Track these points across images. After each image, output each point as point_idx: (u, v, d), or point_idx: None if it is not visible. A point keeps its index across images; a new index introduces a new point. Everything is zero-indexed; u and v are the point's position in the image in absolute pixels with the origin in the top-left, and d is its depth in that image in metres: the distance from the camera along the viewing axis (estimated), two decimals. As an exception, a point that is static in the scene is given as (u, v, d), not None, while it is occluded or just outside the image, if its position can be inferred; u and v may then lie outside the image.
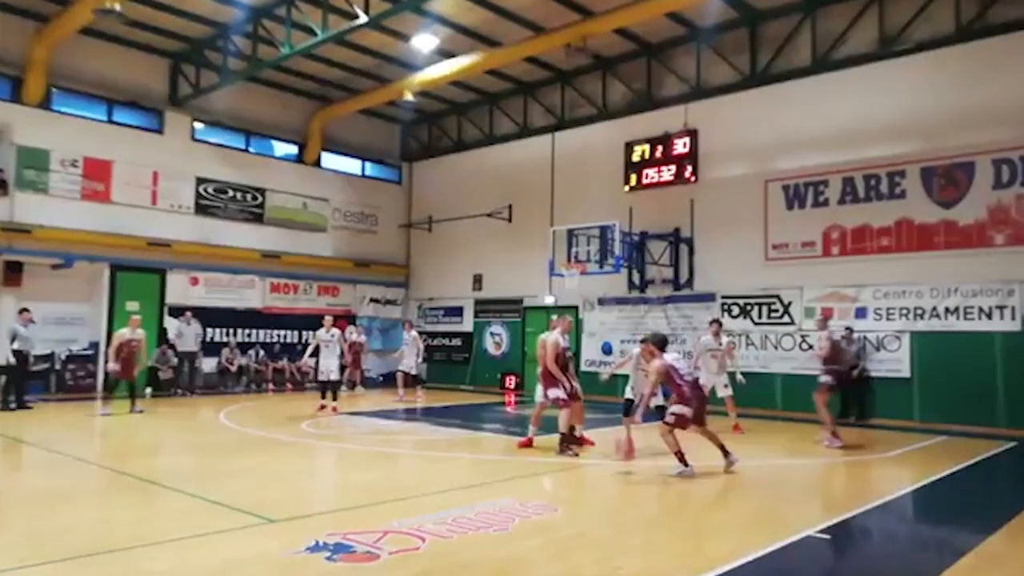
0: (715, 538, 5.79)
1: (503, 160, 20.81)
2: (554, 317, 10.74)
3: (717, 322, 12.31)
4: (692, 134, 16.85)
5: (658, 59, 17.57)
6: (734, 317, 16.00)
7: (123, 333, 13.44)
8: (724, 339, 11.97)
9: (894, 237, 14.17)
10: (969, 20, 13.48)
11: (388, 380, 20.09)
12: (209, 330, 18.29)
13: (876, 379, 14.01)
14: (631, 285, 17.68)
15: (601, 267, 15.99)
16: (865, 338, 14.20)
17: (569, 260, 16.42)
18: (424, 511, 6.15)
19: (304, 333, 20.46)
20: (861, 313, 14.35)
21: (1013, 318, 12.85)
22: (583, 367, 17.84)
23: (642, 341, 9.40)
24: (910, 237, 14.00)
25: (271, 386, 18.88)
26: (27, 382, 13.98)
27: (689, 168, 16.76)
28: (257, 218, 20.08)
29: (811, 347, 14.92)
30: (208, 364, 18.24)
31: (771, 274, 15.62)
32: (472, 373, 20.99)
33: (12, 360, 13.47)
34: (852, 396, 13.93)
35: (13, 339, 13.57)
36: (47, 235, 16.16)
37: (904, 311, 13.87)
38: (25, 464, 9.05)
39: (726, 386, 11.71)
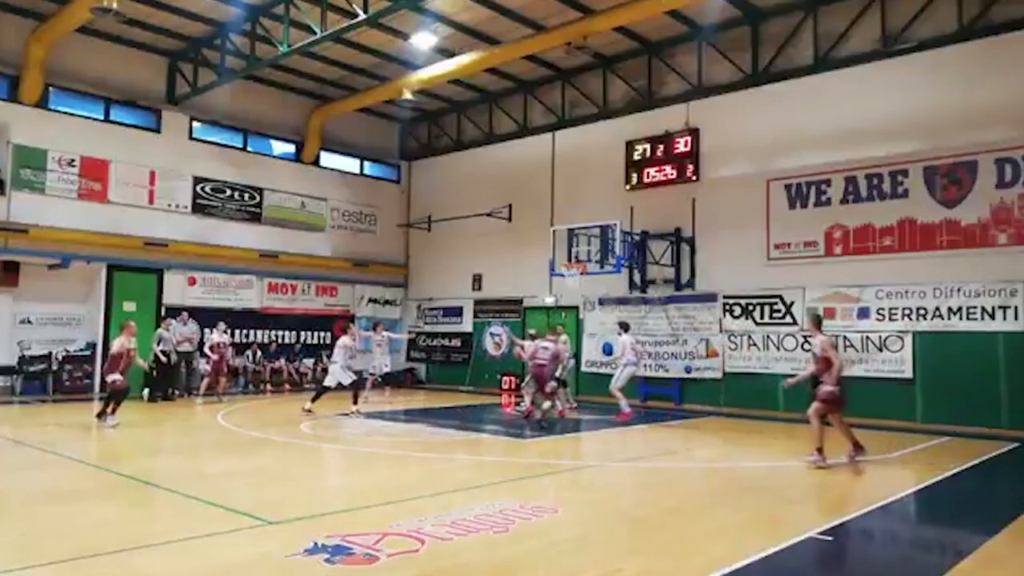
0: (716, 539, 5.75)
1: (503, 159, 20.74)
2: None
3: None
4: (693, 133, 16.79)
5: (659, 57, 17.51)
6: (736, 317, 15.92)
7: (122, 342, 12.14)
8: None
9: (896, 237, 14.10)
10: (971, 19, 13.42)
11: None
12: (206, 331, 18.13)
13: (878, 380, 13.94)
14: (632, 285, 17.61)
15: (602, 267, 15.90)
16: (868, 338, 14.14)
17: (569, 260, 16.34)
18: (423, 513, 6.10)
19: (303, 333, 20.42)
20: (863, 313, 14.28)
21: (1016, 318, 12.77)
22: (583, 368, 17.92)
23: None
24: (912, 237, 13.93)
25: (269, 387, 18.78)
26: (167, 378, 16.05)
27: (690, 167, 16.71)
28: (255, 217, 19.99)
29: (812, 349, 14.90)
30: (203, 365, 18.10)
31: (773, 274, 15.54)
32: (471, 374, 20.90)
33: (163, 359, 15.62)
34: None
35: (159, 342, 15.69)
36: (44, 235, 16.07)
37: (907, 311, 13.79)
38: (23, 465, 8.97)
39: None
